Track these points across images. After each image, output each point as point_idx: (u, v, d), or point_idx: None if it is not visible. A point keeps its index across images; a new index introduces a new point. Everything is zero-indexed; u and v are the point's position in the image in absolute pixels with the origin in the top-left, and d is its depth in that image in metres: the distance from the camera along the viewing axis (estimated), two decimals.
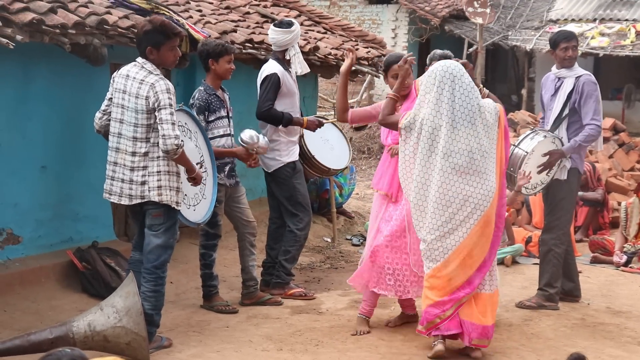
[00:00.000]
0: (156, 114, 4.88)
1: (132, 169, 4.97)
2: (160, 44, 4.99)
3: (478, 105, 5.08)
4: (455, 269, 5.04)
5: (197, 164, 5.45)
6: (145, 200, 4.98)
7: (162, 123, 4.85)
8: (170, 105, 4.88)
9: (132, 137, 4.96)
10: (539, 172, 6.27)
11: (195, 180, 5.19)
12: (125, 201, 5.03)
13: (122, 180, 5.00)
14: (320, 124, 6.67)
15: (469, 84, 5.09)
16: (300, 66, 6.48)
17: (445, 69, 5.09)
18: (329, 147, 7.27)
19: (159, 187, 4.96)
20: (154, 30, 4.99)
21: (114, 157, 5.04)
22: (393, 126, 5.32)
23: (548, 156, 6.24)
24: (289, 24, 6.48)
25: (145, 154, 4.96)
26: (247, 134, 6.07)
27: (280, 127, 6.37)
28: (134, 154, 4.96)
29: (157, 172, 4.95)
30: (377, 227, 5.61)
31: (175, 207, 5.06)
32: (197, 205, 5.60)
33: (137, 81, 4.95)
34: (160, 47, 5.00)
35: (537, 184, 6.39)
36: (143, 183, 4.96)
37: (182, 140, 4.90)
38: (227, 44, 6.16)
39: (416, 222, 5.15)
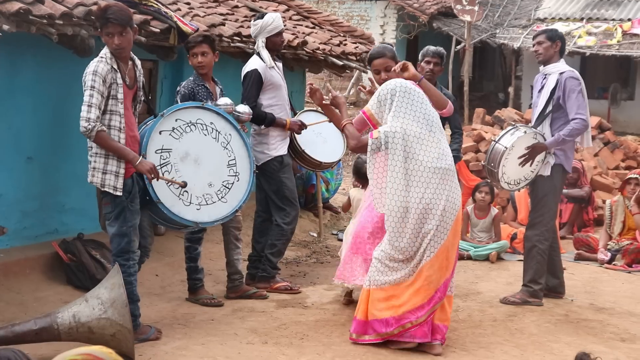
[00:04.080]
0: None
1: (89, 149, 4.97)
2: (100, 29, 4.95)
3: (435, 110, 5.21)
4: (436, 271, 5.05)
5: (228, 165, 5.50)
6: (89, 181, 4.94)
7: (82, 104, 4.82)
8: (92, 87, 4.76)
9: None
10: (520, 165, 6.29)
11: (149, 173, 4.92)
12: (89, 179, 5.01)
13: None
14: (303, 126, 6.61)
15: (421, 93, 5.16)
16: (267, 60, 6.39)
17: (396, 85, 5.12)
18: (322, 139, 7.16)
19: (93, 168, 4.90)
20: (96, 15, 5.00)
21: None
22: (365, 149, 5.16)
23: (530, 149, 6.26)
24: (258, 17, 6.46)
25: None
26: (222, 100, 5.94)
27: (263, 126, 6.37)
28: None
29: (95, 153, 4.89)
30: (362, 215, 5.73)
31: (113, 193, 4.90)
32: (205, 205, 5.42)
33: None
34: (101, 32, 4.95)
35: (521, 180, 6.41)
36: (89, 163, 4.93)
37: (93, 125, 4.72)
38: (192, 39, 6.10)
39: (394, 231, 5.07)
